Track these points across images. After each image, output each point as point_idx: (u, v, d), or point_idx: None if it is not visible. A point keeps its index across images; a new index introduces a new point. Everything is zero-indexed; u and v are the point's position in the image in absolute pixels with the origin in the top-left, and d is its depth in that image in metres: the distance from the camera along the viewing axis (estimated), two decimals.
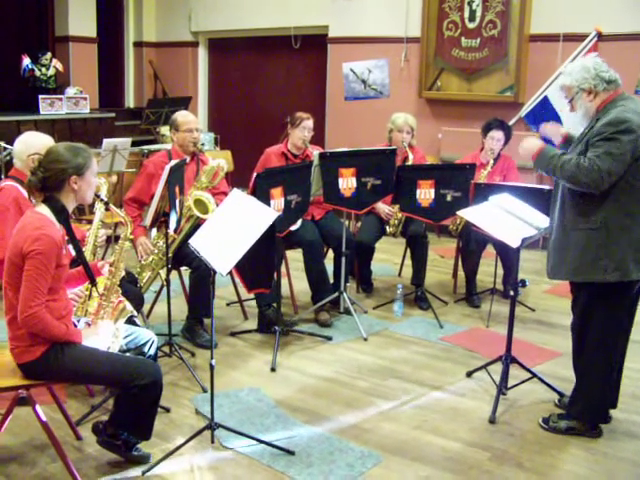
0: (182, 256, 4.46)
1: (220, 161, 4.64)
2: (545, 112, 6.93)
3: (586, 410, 3.46)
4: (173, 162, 4.09)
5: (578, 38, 6.73)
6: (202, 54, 10.09)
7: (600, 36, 6.59)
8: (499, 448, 3.37)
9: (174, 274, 4.54)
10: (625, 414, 3.66)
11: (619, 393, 3.54)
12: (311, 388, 4.01)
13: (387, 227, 5.44)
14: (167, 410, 3.63)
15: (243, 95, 9.80)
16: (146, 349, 3.26)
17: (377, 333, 4.83)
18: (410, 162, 5.36)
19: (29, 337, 2.85)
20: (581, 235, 3.27)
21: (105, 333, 3.11)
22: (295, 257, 5.33)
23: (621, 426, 3.58)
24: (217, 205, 4.25)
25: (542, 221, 3.65)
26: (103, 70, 9.81)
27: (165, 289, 4.22)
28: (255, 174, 4.16)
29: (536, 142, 3.47)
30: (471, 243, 5.30)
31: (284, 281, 4.91)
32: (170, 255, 4.27)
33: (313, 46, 8.87)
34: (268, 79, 9.54)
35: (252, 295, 4.74)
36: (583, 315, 3.40)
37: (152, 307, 4.87)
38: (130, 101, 10.50)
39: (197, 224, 4.27)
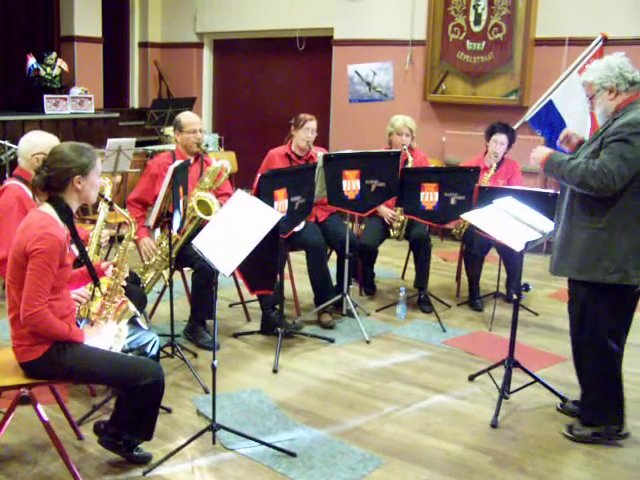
0: (185, 257, 4.46)
1: (224, 162, 4.64)
2: (550, 116, 6.92)
3: (596, 413, 3.44)
4: (177, 163, 4.09)
5: (584, 42, 6.71)
6: (207, 55, 10.10)
7: (606, 40, 6.58)
8: (501, 452, 3.36)
9: (177, 275, 4.54)
10: (628, 420, 3.63)
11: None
12: (313, 390, 4.00)
13: (391, 230, 5.43)
14: (169, 411, 3.63)
15: (247, 96, 9.81)
16: (148, 349, 3.26)
17: (379, 336, 4.83)
18: (410, 164, 5.35)
19: (31, 336, 2.85)
20: (586, 234, 3.27)
21: (107, 333, 3.11)
22: (298, 259, 5.33)
23: None
24: (220, 206, 4.25)
25: (546, 225, 3.64)
26: (108, 70, 9.82)
27: (168, 290, 4.22)
28: (259, 175, 4.16)
29: (544, 149, 3.47)
30: (474, 246, 5.29)
31: (287, 283, 4.90)
32: (173, 256, 4.27)
33: (318, 48, 8.87)
34: (273, 81, 9.54)
35: (255, 296, 4.74)
36: (580, 314, 3.40)
37: (155, 308, 4.87)
38: (135, 101, 10.51)
39: (200, 225, 4.27)
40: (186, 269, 4.71)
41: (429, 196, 4.91)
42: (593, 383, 3.44)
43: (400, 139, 5.46)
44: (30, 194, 3.73)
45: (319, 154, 4.80)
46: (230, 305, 5.31)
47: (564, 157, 3.37)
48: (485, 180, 5.35)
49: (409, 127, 5.48)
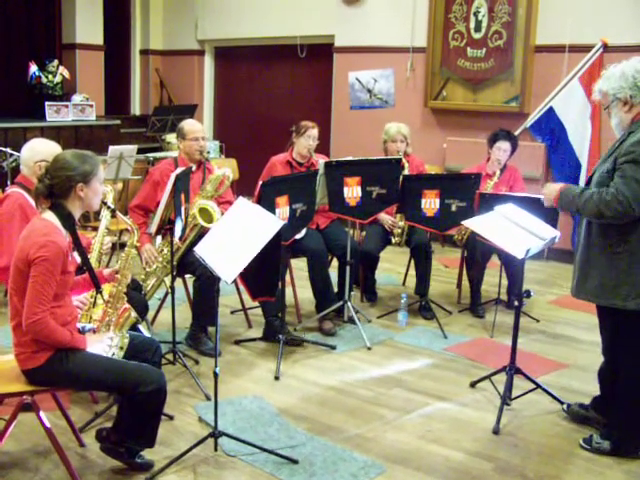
0: (186, 264, 4.47)
1: (226, 170, 4.65)
2: (550, 123, 6.94)
3: (624, 436, 3.37)
4: (179, 170, 4.10)
5: (584, 49, 6.72)
6: (208, 62, 10.13)
7: (606, 47, 6.60)
8: (502, 459, 3.36)
9: (178, 282, 4.55)
10: None
11: None
12: (315, 397, 4.00)
13: (392, 237, 5.44)
14: (170, 417, 3.63)
15: (249, 103, 9.83)
16: (150, 356, 3.25)
17: (381, 342, 4.83)
18: (406, 171, 5.35)
19: (34, 343, 2.86)
20: (604, 258, 3.18)
21: (109, 340, 3.11)
22: (300, 266, 5.33)
23: None
24: (222, 214, 4.25)
25: (547, 232, 3.64)
26: (109, 77, 9.85)
27: (169, 296, 4.22)
28: (260, 182, 4.16)
29: (553, 187, 3.37)
30: (476, 253, 5.29)
31: (288, 290, 4.91)
32: (175, 263, 4.28)
33: (319, 55, 8.90)
34: (274, 88, 9.56)
35: (256, 303, 4.75)
36: (613, 341, 3.36)
37: (156, 314, 4.87)
38: (136, 109, 10.53)
39: (202, 232, 4.28)
40: (187, 276, 4.71)
41: (430, 203, 4.91)
42: (628, 410, 3.33)
43: (395, 146, 5.47)
44: (32, 202, 3.72)
45: (320, 161, 4.81)
46: (232, 312, 5.31)
47: (575, 190, 3.24)
48: (488, 187, 5.36)
49: (403, 134, 5.49)
